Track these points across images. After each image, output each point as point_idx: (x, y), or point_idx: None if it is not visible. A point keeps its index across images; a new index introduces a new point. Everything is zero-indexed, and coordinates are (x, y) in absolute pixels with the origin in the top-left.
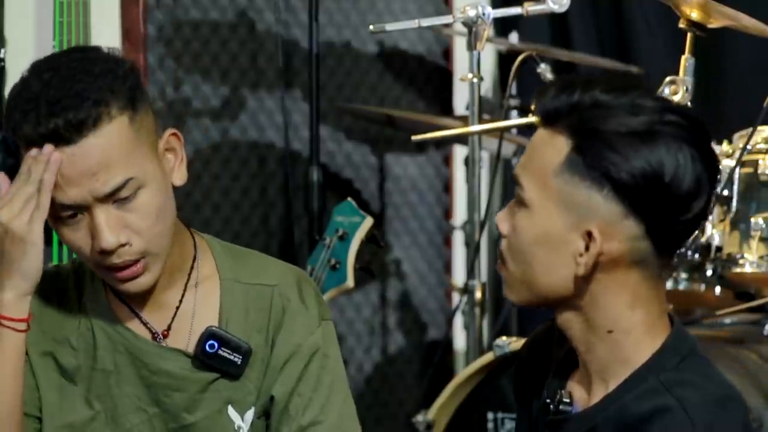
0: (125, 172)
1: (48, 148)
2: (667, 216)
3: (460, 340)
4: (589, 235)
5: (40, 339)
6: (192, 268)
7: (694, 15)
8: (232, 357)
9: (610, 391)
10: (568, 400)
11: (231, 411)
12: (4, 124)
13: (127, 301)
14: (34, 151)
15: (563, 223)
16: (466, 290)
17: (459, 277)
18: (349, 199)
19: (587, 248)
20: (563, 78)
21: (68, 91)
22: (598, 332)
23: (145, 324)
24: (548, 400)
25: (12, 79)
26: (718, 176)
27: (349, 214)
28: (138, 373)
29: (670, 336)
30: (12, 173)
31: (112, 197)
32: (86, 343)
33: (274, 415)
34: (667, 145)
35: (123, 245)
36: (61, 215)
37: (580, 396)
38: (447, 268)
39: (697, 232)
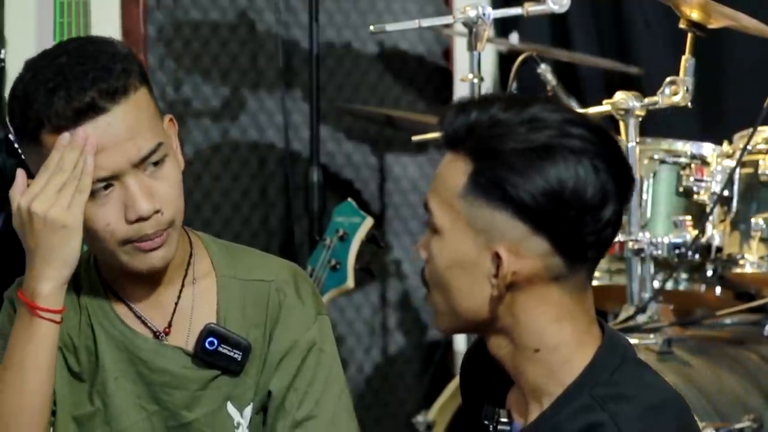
0: (155, 137)
1: (82, 131)
2: (573, 229)
3: (460, 340)
4: (497, 255)
5: None
6: (189, 265)
7: (695, 15)
8: (232, 354)
9: (545, 409)
10: (505, 420)
11: (230, 407)
12: (8, 121)
13: (126, 300)
14: (65, 138)
15: (473, 246)
16: None
17: None
18: (349, 199)
19: (498, 269)
20: (461, 99)
21: (93, 66)
22: (525, 353)
23: (144, 323)
24: (486, 422)
25: (12, 79)
26: (632, 184)
27: (350, 214)
28: (137, 371)
29: (601, 347)
30: (13, 173)
31: (146, 162)
32: (87, 342)
33: (270, 410)
34: (565, 160)
35: (157, 212)
36: (93, 191)
37: (518, 416)
38: None
39: (696, 233)
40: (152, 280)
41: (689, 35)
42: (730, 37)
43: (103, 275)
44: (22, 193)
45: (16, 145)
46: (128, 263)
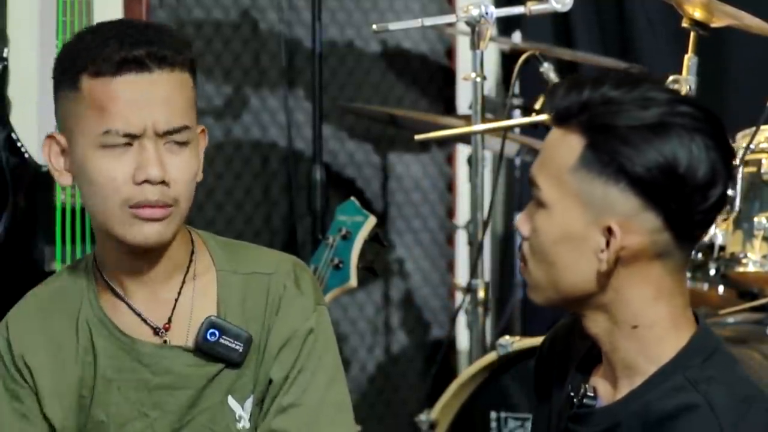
0: (185, 118)
1: (121, 82)
2: (685, 206)
3: (463, 339)
4: (609, 230)
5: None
6: (190, 262)
7: (697, 14)
8: (233, 345)
9: (636, 387)
10: (592, 394)
11: (231, 401)
12: (53, 71)
13: (126, 299)
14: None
15: (582, 221)
16: (469, 289)
17: (462, 276)
18: (352, 198)
19: (608, 244)
20: (572, 77)
21: (152, 32)
22: (623, 329)
23: (144, 321)
24: (572, 394)
25: (15, 78)
26: (735, 164)
27: (352, 213)
28: (139, 379)
29: (697, 333)
30: (16, 172)
31: (168, 136)
32: (87, 355)
33: (267, 398)
34: (679, 136)
35: (164, 183)
36: (111, 144)
37: (604, 391)
38: (450, 267)
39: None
40: (153, 277)
41: (692, 34)
42: (732, 36)
43: (105, 275)
44: None
45: (19, 144)
46: (123, 233)
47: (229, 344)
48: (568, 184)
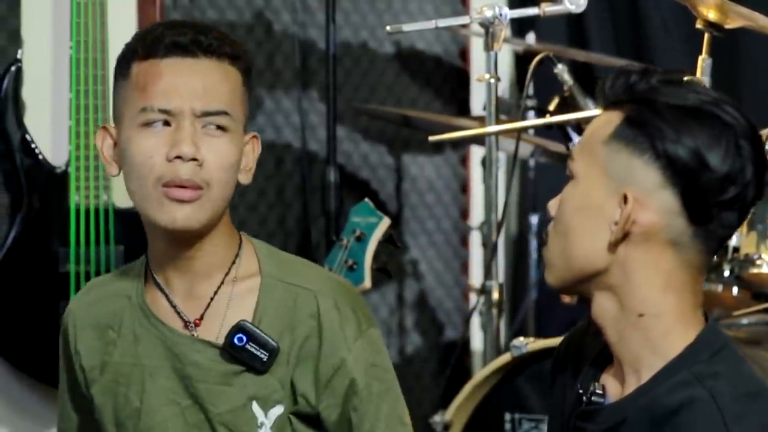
0: (226, 105)
1: (166, 63)
2: (702, 192)
3: (477, 340)
4: (624, 199)
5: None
6: (233, 263)
7: (711, 15)
8: (258, 353)
9: (643, 382)
10: (600, 392)
11: (255, 407)
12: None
13: (165, 290)
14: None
15: (603, 191)
16: (483, 291)
17: (476, 277)
18: (366, 199)
19: (622, 212)
20: (624, 67)
21: (207, 27)
22: (630, 316)
23: (179, 313)
24: (581, 391)
25: (29, 79)
26: (765, 179)
27: (366, 214)
28: (172, 366)
29: (705, 330)
30: (30, 173)
31: (206, 118)
32: (126, 342)
33: (329, 428)
34: (713, 126)
35: (196, 160)
36: (150, 120)
37: (613, 389)
38: (464, 268)
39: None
40: (193, 271)
41: (706, 35)
42: (746, 37)
43: (151, 267)
44: None
45: (33, 145)
46: (155, 215)
47: (255, 351)
48: (598, 155)
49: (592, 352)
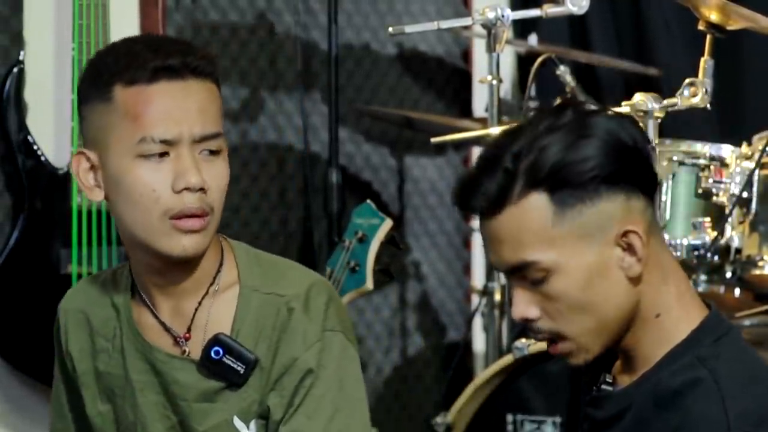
0: (218, 126)
1: (156, 89)
2: (649, 169)
3: (479, 341)
4: (624, 234)
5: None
6: (218, 273)
7: (713, 17)
8: (235, 366)
9: (649, 368)
10: (610, 380)
11: (237, 421)
12: (79, 82)
13: (151, 306)
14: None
15: (593, 252)
16: (486, 292)
17: (478, 279)
18: (368, 201)
19: (629, 247)
20: (464, 177)
21: (182, 43)
22: (648, 322)
23: (167, 330)
24: (589, 382)
25: (31, 81)
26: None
27: (369, 216)
28: (159, 383)
29: (709, 316)
30: (33, 174)
31: (203, 144)
32: (117, 354)
33: (271, 425)
34: (598, 120)
35: (202, 190)
36: (148, 152)
37: (623, 381)
38: (466, 269)
39: (715, 234)
40: (180, 288)
41: (708, 37)
42: (749, 38)
43: (136, 282)
44: None
45: (35, 147)
46: (162, 245)
47: (231, 364)
48: (560, 237)
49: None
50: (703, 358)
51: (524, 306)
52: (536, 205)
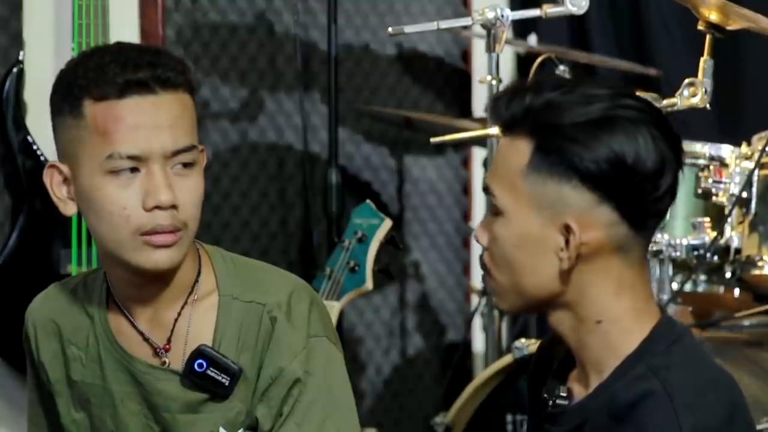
0: (191, 138)
1: (125, 105)
2: (637, 196)
3: (478, 342)
4: (567, 228)
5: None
6: (196, 282)
7: (713, 17)
8: (220, 378)
9: (602, 381)
10: (564, 395)
11: (222, 431)
12: (51, 94)
13: (131, 317)
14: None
15: (539, 222)
16: (485, 292)
17: (478, 279)
18: (367, 201)
19: (567, 242)
20: (512, 85)
21: (151, 54)
22: (588, 324)
23: (147, 340)
24: (545, 396)
25: (30, 81)
26: (683, 152)
27: (368, 216)
28: (140, 393)
29: (659, 322)
30: (31, 175)
31: (176, 158)
32: (94, 363)
33: None
34: (625, 129)
35: (173, 207)
36: (116, 168)
37: (578, 392)
38: (466, 270)
39: (715, 234)
40: (158, 299)
41: (708, 37)
42: (748, 38)
43: (113, 292)
44: None
45: (35, 147)
46: (134, 259)
47: (216, 377)
48: (521, 189)
49: (558, 357)
50: (655, 368)
51: (481, 230)
52: (520, 148)
